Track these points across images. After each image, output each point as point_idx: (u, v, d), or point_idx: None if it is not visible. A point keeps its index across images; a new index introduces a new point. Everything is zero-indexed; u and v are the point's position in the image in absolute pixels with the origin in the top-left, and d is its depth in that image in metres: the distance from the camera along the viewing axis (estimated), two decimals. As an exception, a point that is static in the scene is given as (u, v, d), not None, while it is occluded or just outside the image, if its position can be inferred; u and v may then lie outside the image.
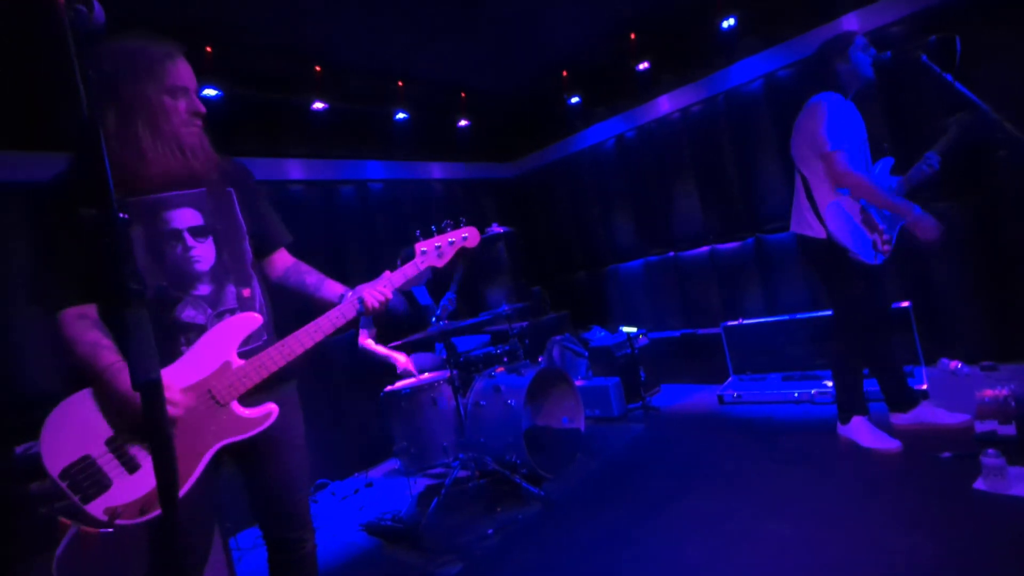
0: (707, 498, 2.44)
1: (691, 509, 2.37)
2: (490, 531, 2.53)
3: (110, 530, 1.18)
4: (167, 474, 0.71)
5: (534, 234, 5.74)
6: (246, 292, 1.47)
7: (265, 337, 1.48)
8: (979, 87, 2.01)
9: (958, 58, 2.09)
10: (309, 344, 1.43)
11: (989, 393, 2.42)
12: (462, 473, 3.06)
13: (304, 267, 1.65)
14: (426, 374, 3.33)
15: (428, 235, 1.69)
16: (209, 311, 1.39)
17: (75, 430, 1.20)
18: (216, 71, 3.23)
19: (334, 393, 3.92)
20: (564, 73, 4.72)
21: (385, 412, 3.22)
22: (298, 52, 3.56)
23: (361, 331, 3.54)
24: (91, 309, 1.27)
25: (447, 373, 3.06)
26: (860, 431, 2.60)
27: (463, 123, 4.93)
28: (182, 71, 1.35)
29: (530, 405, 3.52)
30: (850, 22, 3.53)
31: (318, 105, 3.84)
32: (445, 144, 5.20)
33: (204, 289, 1.39)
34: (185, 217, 1.38)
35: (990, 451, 2.02)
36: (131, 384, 0.69)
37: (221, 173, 1.48)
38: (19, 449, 2.14)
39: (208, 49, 3.17)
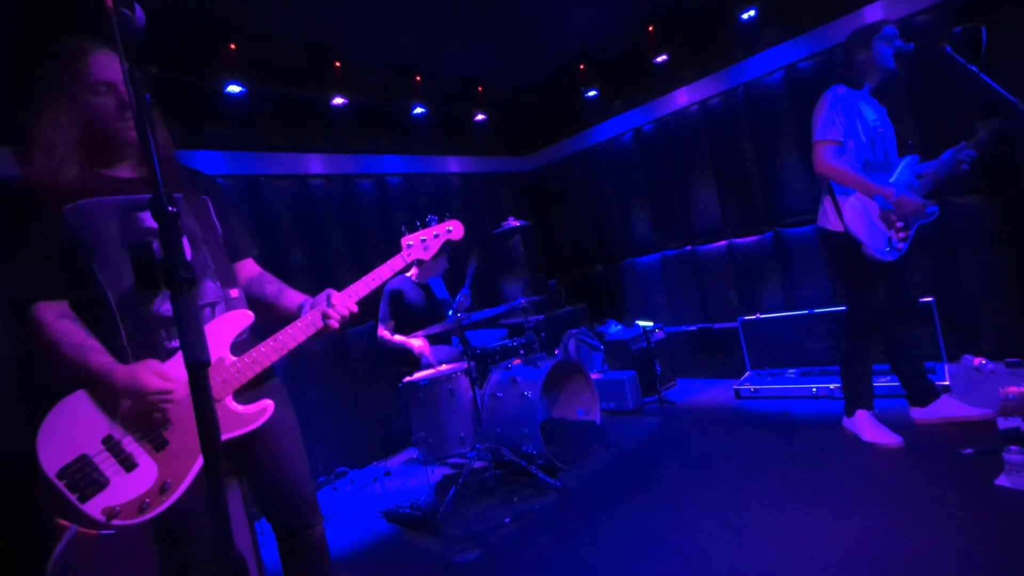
0: (722, 490, 2.45)
1: (706, 501, 2.38)
2: (507, 520, 2.58)
3: (110, 531, 1.17)
4: (212, 451, 0.75)
5: (551, 227, 5.74)
6: (234, 292, 1.49)
7: (250, 336, 1.50)
8: (1008, 78, 1.97)
9: (984, 49, 2.05)
10: (301, 339, 1.44)
11: (1013, 390, 2.38)
12: (479, 463, 3.10)
13: (268, 277, 1.66)
14: (444, 366, 3.38)
15: (413, 229, 1.73)
16: None
17: (71, 431, 1.20)
18: (239, 68, 3.29)
19: (353, 382, 4.00)
20: (581, 66, 4.70)
21: (403, 402, 3.28)
22: (319, 48, 3.61)
23: (379, 324, 3.60)
24: (65, 306, 1.28)
25: (464, 364, 3.10)
26: (862, 425, 2.62)
27: (480, 117, 4.95)
28: (103, 64, 1.30)
29: (546, 397, 3.55)
30: (874, 12, 3.46)
31: (338, 100, 3.89)
32: (462, 138, 5.23)
33: None
34: None
35: (1013, 447, 2.00)
36: (184, 363, 0.73)
37: (194, 182, 1.53)
38: None
39: (232, 47, 3.23)
